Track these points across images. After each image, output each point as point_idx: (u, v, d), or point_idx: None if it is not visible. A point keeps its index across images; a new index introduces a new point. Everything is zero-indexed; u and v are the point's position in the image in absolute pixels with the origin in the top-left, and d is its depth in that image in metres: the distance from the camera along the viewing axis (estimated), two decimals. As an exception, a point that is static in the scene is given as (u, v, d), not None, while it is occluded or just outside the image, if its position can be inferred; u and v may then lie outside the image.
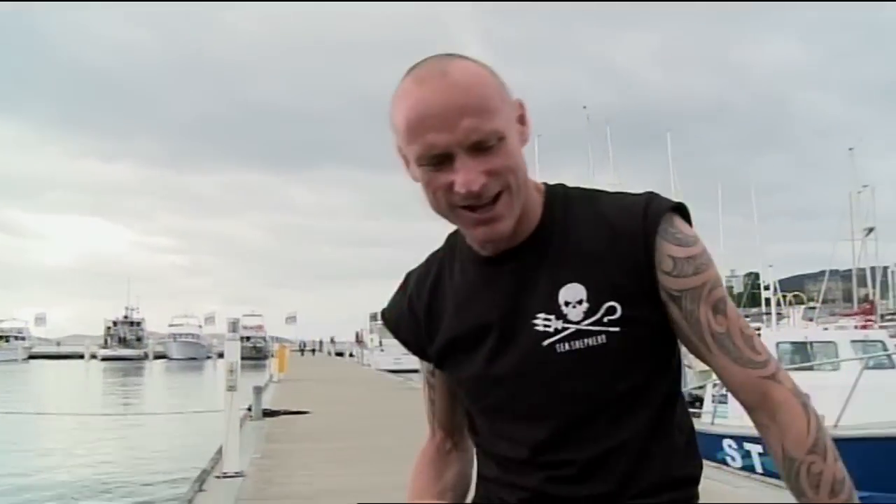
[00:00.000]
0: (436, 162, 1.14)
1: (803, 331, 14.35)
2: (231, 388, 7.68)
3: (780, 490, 7.46)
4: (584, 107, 41.18)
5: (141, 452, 15.18)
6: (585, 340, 1.19)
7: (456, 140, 1.11)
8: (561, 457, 1.22)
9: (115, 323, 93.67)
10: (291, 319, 75.97)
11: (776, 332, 14.65)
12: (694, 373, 14.21)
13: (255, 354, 65.20)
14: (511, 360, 1.24)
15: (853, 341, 12.88)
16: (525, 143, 1.22)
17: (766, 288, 22.74)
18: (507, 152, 1.15)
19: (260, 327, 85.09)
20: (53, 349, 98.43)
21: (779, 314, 20.26)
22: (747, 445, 11.35)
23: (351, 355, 63.34)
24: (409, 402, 16.30)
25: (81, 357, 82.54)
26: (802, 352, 12.71)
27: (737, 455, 11.49)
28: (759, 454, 11.13)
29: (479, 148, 1.12)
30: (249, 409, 12.48)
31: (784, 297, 23.13)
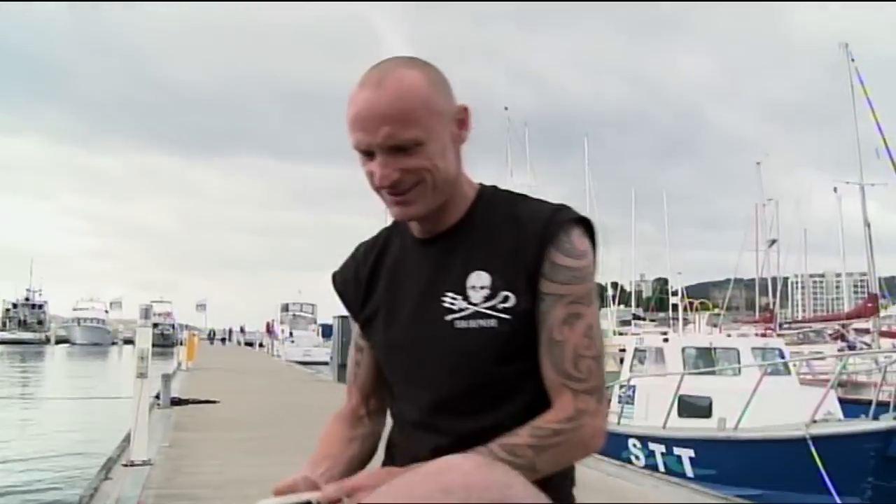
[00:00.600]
0: (364, 153, 1.34)
1: (708, 337, 14.90)
2: (141, 376, 7.53)
3: (680, 487, 7.74)
4: (506, 108, 41.68)
5: (42, 440, 14.71)
6: (480, 322, 1.34)
7: (376, 142, 1.31)
8: (443, 425, 1.37)
9: (14, 305, 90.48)
10: (202, 307, 74.48)
11: (683, 338, 15.11)
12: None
13: (163, 342, 63.67)
14: (417, 330, 1.41)
15: (754, 348, 13.47)
16: (461, 142, 1.41)
17: (675, 293, 23.36)
18: (425, 155, 1.32)
19: (168, 314, 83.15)
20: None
21: (685, 320, 20.90)
22: (651, 445, 11.72)
23: (261, 345, 62.37)
24: (318, 394, 16.25)
25: (-24, 339, 79.27)
26: (706, 357, 13.19)
27: (641, 454, 11.84)
28: (662, 454, 11.50)
29: (398, 149, 1.31)
30: (157, 397, 12.25)
31: (691, 303, 23.86)
